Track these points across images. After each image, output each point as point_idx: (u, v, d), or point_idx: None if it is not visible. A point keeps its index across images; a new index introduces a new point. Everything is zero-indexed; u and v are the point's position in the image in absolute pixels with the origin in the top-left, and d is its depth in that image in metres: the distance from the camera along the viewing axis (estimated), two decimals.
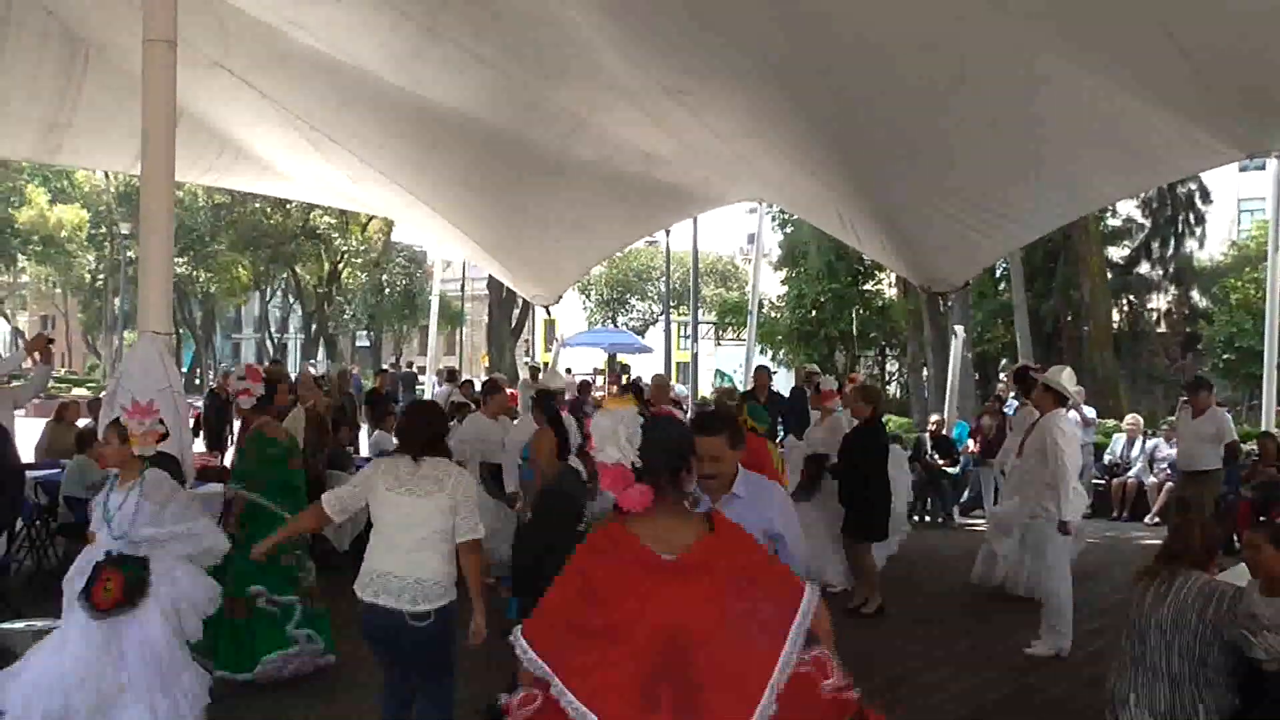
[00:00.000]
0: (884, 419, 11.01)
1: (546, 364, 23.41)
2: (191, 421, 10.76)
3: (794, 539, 4.24)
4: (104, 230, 44.06)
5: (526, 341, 41.15)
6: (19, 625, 6.01)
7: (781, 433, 11.21)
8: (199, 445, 13.81)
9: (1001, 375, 26.39)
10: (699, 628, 2.87)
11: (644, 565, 2.96)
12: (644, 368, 33.15)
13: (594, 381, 24.71)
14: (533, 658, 2.91)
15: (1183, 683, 4.46)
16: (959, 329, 15.49)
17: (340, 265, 44.37)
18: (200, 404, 16.57)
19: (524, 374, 25.66)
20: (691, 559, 2.95)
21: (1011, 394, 15.78)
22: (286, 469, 6.60)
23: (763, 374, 12.60)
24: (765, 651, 2.89)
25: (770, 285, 32.87)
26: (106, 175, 40.71)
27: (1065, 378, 7.71)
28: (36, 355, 8.12)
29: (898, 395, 31.20)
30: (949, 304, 16.56)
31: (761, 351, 27.95)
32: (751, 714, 2.81)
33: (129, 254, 35.47)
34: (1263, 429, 12.75)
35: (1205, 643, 4.42)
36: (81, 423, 11.03)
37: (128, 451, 5.07)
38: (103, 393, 16.62)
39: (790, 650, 2.90)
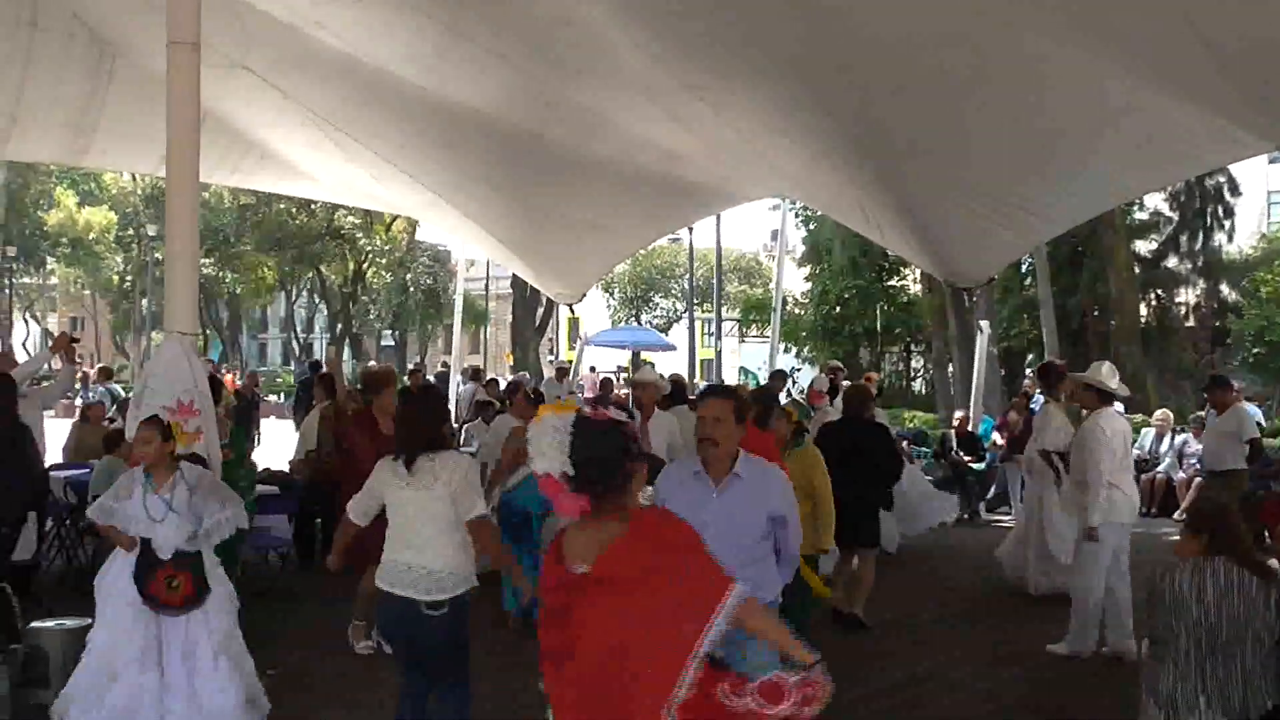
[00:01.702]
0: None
1: (571, 362, 23.42)
2: None
3: (794, 522, 4.26)
4: (132, 232, 44.40)
5: (550, 340, 41.20)
6: (50, 624, 6.07)
7: None
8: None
9: (1028, 371, 26.25)
10: (620, 639, 2.82)
11: (564, 583, 2.94)
12: (668, 365, 33.13)
13: (617, 379, 24.72)
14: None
15: (1254, 677, 4.32)
16: (984, 324, 15.39)
17: (365, 265, 44.55)
18: None
19: (549, 373, 25.71)
20: (600, 569, 2.90)
21: (1037, 390, 15.70)
22: None
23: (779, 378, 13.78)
24: (678, 652, 2.80)
25: (794, 282, 32.78)
26: (134, 177, 41.04)
27: (1105, 373, 7.53)
28: (62, 355, 8.20)
29: (923, 391, 31.07)
30: (974, 299, 16.49)
31: (785, 349, 27.89)
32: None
33: (156, 255, 35.74)
34: None
35: (1272, 632, 4.30)
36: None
37: (168, 450, 5.19)
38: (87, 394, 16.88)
39: (699, 649, 2.80)
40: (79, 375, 20.82)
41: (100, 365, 22.20)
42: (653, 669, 2.79)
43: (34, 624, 6.11)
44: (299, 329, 54.81)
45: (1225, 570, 4.39)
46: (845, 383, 12.36)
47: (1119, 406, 14.40)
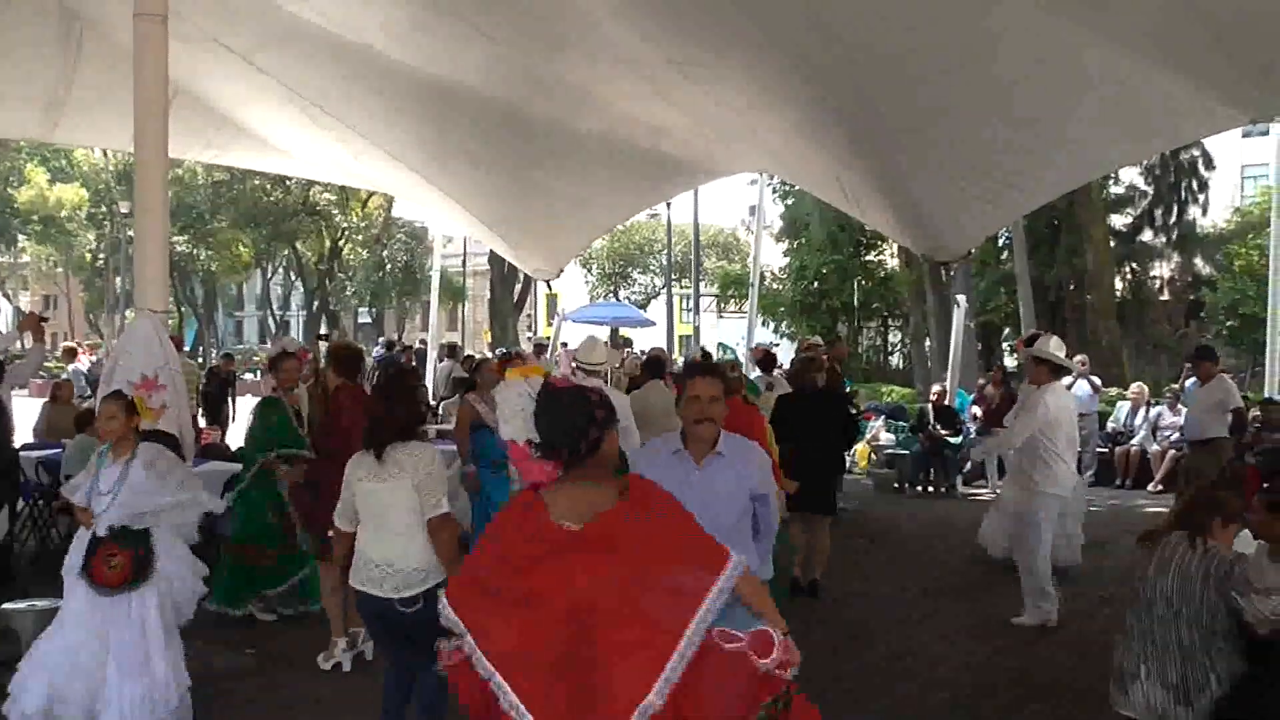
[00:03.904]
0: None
1: (549, 338, 23.38)
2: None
3: (774, 500, 4.27)
4: (104, 209, 43.93)
5: (529, 316, 41.12)
6: (22, 605, 6.01)
7: None
8: (199, 422, 13.87)
9: (1005, 345, 26.35)
10: (603, 603, 2.79)
11: (550, 539, 2.89)
12: (647, 341, 33.12)
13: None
14: (451, 616, 2.89)
15: (1194, 653, 4.38)
16: (961, 299, 15.42)
17: (341, 242, 44.29)
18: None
19: (527, 349, 25.65)
20: (596, 529, 2.88)
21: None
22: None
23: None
24: (672, 626, 2.77)
25: (772, 257, 32.77)
26: (105, 154, 40.59)
27: (1054, 346, 7.58)
28: (30, 335, 8.10)
29: (900, 366, 31.17)
30: (951, 274, 16.45)
31: (763, 324, 27.90)
32: (649, 689, 2.69)
33: (129, 233, 35.36)
34: (1266, 395, 12.69)
35: (1212, 612, 4.36)
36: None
37: (131, 425, 5.10)
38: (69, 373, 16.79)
39: (700, 623, 2.77)
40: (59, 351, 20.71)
41: (65, 345, 21.96)
42: (644, 634, 2.76)
43: (6, 605, 6.05)
44: (275, 306, 54.47)
45: (1172, 547, 4.47)
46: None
47: (1095, 379, 14.49)
